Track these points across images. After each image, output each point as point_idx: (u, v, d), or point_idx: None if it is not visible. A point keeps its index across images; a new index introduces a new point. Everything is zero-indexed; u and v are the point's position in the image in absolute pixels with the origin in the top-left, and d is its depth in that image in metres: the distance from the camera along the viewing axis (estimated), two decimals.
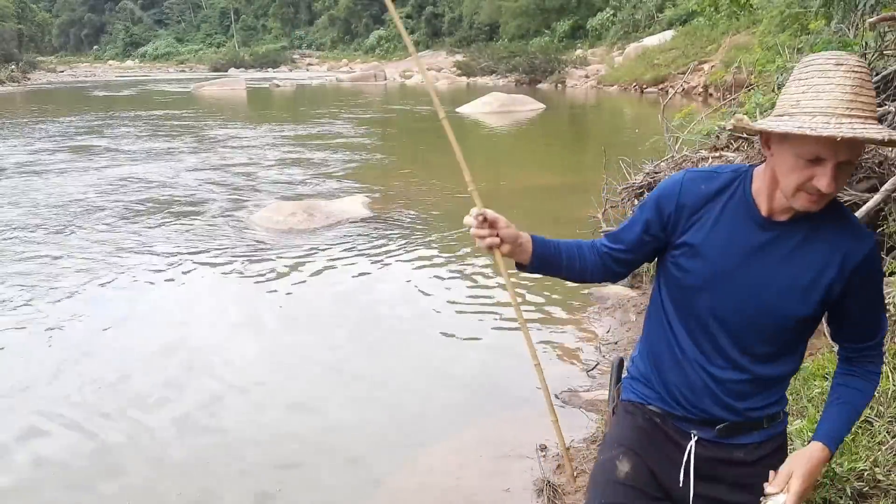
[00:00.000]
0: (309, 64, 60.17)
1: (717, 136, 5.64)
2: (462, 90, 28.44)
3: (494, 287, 5.09)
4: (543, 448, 2.97)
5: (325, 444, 3.15)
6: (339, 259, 5.80)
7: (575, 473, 2.75)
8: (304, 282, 5.30)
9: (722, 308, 1.39)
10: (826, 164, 1.21)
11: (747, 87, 7.69)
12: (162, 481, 2.88)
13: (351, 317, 4.66)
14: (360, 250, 6.03)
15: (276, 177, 9.61)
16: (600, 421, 3.13)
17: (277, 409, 3.45)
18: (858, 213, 3.50)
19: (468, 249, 5.98)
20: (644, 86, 23.01)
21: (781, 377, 1.46)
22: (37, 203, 7.93)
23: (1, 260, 5.84)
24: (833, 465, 2.10)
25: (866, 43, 4.83)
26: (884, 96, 4.39)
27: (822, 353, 2.97)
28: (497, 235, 1.41)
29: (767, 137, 1.31)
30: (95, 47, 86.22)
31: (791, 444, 1.76)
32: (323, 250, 6.02)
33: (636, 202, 5.91)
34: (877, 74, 4.44)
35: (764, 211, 1.36)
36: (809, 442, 1.42)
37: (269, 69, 54.50)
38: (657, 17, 31.32)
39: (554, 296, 4.79)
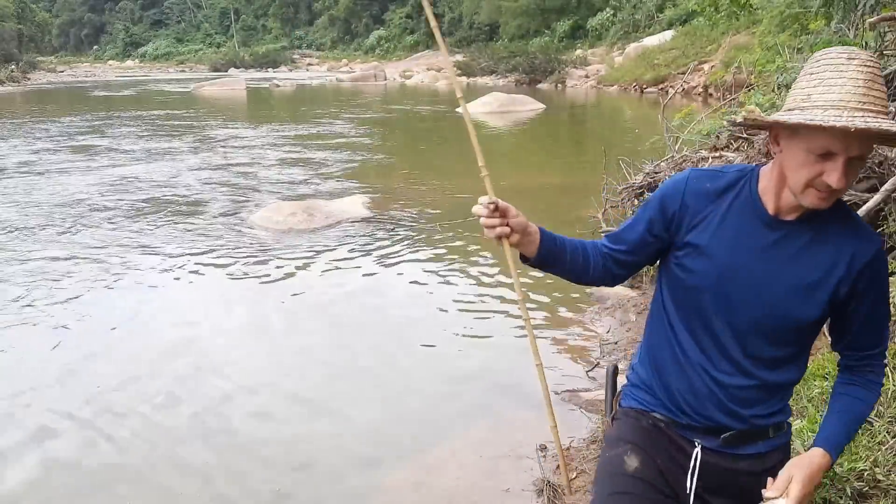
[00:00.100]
0: (309, 64, 60.15)
1: (717, 136, 5.64)
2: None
3: (495, 286, 5.09)
4: (543, 448, 2.97)
5: (325, 443, 3.16)
6: (339, 259, 5.80)
7: (574, 475, 2.75)
8: (305, 282, 5.30)
9: (727, 309, 1.36)
10: (837, 158, 1.19)
11: (747, 87, 7.70)
12: (172, 481, 2.88)
13: (350, 317, 4.66)
14: (360, 250, 6.04)
15: (277, 177, 9.61)
16: (600, 421, 3.13)
17: (280, 410, 3.45)
18: (858, 213, 3.51)
19: (468, 248, 5.99)
20: (644, 86, 23.00)
21: (786, 384, 1.44)
22: (39, 203, 7.93)
23: (5, 260, 5.84)
24: (833, 465, 2.10)
25: (866, 43, 4.83)
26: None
27: (822, 353, 2.97)
28: (507, 225, 1.36)
29: (777, 134, 1.29)
30: (95, 47, 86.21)
31: (791, 444, 1.75)
32: (323, 250, 6.03)
33: (636, 202, 5.92)
34: None
35: (771, 210, 1.33)
36: (809, 444, 1.41)
37: (269, 69, 54.46)
38: (657, 17, 31.32)
39: (554, 293, 4.79)
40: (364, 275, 5.46)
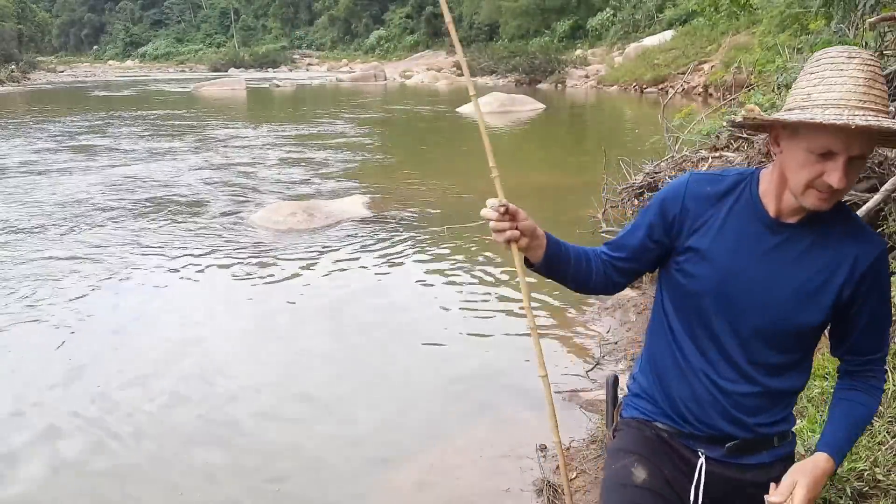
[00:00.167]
0: (309, 64, 60.18)
1: (717, 136, 5.65)
2: (462, 90, 28.41)
3: (496, 285, 5.09)
4: (543, 448, 2.97)
5: (325, 443, 3.16)
6: (339, 259, 5.80)
7: (574, 475, 2.75)
8: (306, 282, 5.30)
9: (729, 313, 1.34)
10: (838, 158, 1.18)
11: (747, 87, 7.70)
12: (177, 480, 2.88)
13: (351, 317, 4.66)
14: (360, 250, 6.04)
15: (277, 176, 9.62)
16: (600, 421, 3.13)
17: (282, 409, 3.46)
18: (858, 213, 3.51)
19: (469, 248, 5.99)
20: (644, 86, 23.01)
21: (790, 391, 1.41)
22: (41, 203, 7.95)
23: (6, 259, 5.85)
24: (837, 470, 2.10)
25: (866, 43, 4.83)
26: None
27: (822, 352, 2.97)
28: (516, 228, 1.31)
29: (777, 134, 1.27)
30: (95, 47, 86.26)
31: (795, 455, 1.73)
32: (323, 250, 6.03)
33: (636, 202, 5.92)
34: None
35: (772, 212, 1.32)
36: (809, 445, 1.40)
37: (269, 69, 54.50)
38: (657, 17, 31.33)
39: (555, 292, 4.79)
40: (364, 275, 5.46)
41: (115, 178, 9.49)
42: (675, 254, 1.40)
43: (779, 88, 5.78)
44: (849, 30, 5.62)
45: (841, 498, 2.06)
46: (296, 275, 5.44)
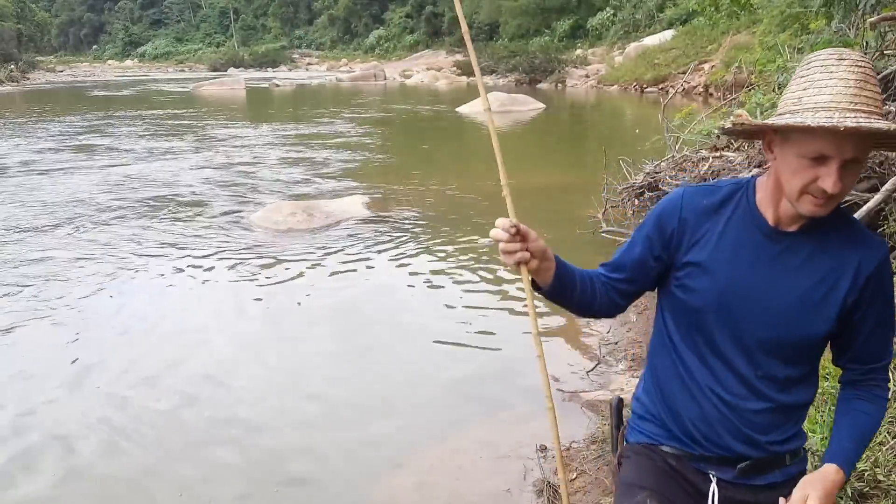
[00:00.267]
0: (308, 63, 60.20)
1: (718, 136, 5.65)
2: (462, 90, 28.46)
3: (496, 284, 5.09)
4: (543, 448, 2.97)
5: (326, 443, 3.16)
6: (341, 259, 5.80)
7: (574, 476, 2.75)
8: (307, 282, 5.29)
9: (733, 326, 1.31)
10: (831, 162, 1.15)
11: (748, 86, 7.70)
12: (179, 479, 2.88)
13: (351, 316, 4.65)
14: (359, 250, 6.03)
15: (277, 176, 9.62)
16: (601, 422, 3.13)
17: (284, 409, 3.46)
18: (858, 214, 3.51)
19: (470, 249, 5.98)
20: (644, 85, 23.00)
21: (800, 406, 1.38)
22: (41, 202, 7.95)
23: (8, 259, 5.84)
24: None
25: (867, 43, 4.83)
26: (884, 97, 4.39)
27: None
28: (527, 250, 1.26)
29: (770, 140, 1.25)
30: (95, 47, 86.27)
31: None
32: (323, 250, 6.02)
33: (636, 202, 5.92)
34: (878, 74, 4.44)
35: (771, 221, 1.30)
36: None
37: (269, 69, 54.52)
38: (657, 16, 31.33)
39: None
40: (365, 275, 5.46)
41: (116, 177, 9.49)
42: (675, 269, 1.37)
43: (779, 88, 5.79)
44: (849, 29, 5.62)
45: (841, 498, 2.06)
46: (300, 275, 5.43)
